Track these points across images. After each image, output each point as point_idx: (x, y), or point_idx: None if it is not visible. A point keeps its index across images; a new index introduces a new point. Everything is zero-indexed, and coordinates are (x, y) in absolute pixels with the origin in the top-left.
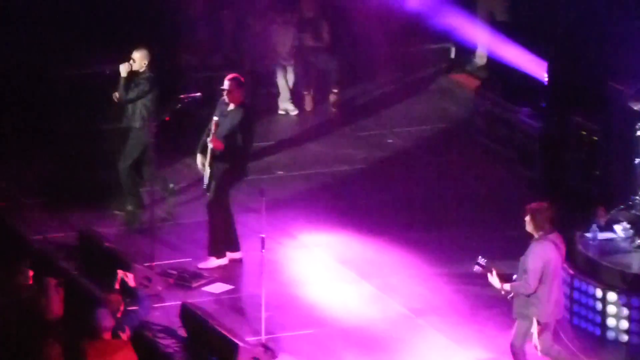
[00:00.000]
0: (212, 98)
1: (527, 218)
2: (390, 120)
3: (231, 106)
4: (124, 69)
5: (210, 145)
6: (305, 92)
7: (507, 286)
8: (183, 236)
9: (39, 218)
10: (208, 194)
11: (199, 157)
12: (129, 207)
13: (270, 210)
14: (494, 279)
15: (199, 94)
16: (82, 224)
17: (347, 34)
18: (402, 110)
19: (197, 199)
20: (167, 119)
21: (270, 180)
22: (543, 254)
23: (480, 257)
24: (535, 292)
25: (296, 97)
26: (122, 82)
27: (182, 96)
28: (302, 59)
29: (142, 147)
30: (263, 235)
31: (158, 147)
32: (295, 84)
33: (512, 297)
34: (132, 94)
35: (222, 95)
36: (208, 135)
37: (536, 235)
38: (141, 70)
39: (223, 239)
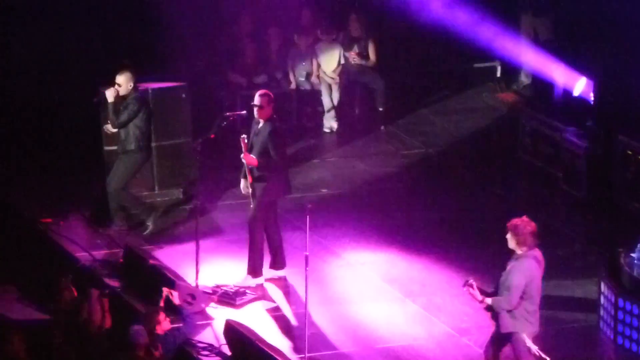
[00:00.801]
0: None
1: (508, 235)
2: (436, 138)
3: (260, 123)
4: (110, 95)
5: (244, 162)
6: (351, 111)
7: (488, 300)
8: (227, 253)
9: (84, 234)
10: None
11: (242, 182)
12: (149, 223)
13: (315, 227)
14: (475, 292)
15: (244, 112)
16: (127, 240)
17: (393, 53)
18: (447, 128)
19: (240, 217)
20: (212, 136)
21: (315, 198)
22: (526, 271)
23: (470, 279)
24: (517, 308)
25: (341, 115)
26: (110, 107)
27: (227, 114)
28: (347, 78)
29: (137, 169)
30: (307, 253)
31: (203, 163)
32: (340, 102)
33: (487, 309)
34: (123, 117)
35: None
36: None
37: (519, 252)
38: (128, 92)
39: (261, 258)
